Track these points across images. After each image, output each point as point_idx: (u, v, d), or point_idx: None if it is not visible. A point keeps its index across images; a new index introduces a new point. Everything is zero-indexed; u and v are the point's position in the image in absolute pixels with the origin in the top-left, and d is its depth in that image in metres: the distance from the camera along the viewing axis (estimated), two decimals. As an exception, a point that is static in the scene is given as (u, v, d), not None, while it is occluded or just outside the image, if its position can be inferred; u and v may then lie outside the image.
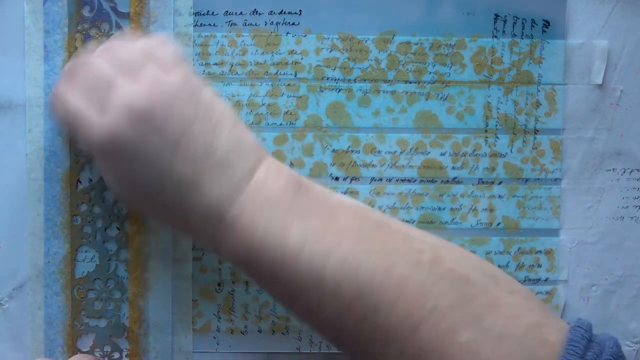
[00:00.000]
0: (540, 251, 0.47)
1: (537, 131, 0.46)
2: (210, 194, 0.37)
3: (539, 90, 0.46)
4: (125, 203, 0.44)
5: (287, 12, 0.45)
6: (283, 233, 0.36)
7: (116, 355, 0.45)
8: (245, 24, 0.45)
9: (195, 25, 0.45)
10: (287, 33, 0.45)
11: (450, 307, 0.35)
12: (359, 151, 0.46)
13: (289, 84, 0.45)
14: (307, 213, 0.37)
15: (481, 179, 0.46)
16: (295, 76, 0.45)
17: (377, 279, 0.35)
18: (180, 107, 0.37)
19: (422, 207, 0.46)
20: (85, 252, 0.44)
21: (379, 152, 0.46)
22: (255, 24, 0.45)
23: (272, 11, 0.45)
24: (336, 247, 0.36)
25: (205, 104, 0.38)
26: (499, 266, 0.46)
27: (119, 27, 0.44)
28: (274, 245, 0.36)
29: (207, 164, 0.37)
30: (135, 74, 0.37)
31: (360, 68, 0.46)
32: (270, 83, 0.45)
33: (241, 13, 0.45)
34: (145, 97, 0.36)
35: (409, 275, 0.35)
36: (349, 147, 0.46)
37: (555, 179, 0.47)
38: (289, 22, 0.45)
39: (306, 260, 0.36)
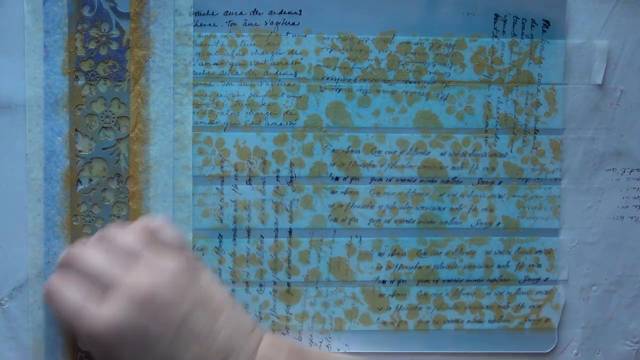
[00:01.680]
0: (540, 251, 0.47)
1: (537, 131, 0.46)
2: None
3: (539, 90, 0.46)
4: None
5: (287, 12, 0.45)
6: None
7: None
8: (245, 24, 0.45)
9: (195, 25, 0.45)
10: (287, 33, 0.45)
11: None
12: (359, 151, 0.46)
13: (289, 84, 0.45)
14: None
15: (481, 178, 0.46)
16: (295, 76, 0.45)
17: None
18: (181, 294, 0.38)
19: (422, 207, 0.46)
20: (85, 252, 0.44)
21: (379, 152, 0.46)
22: (255, 24, 0.45)
23: (272, 11, 0.45)
24: None
25: (205, 288, 0.39)
26: (498, 266, 0.46)
27: (118, 27, 0.44)
28: None
29: (209, 349, 0.38)
30: (134, 261, 0.38)
31: (360, 68, 0.46)
32: (270, 83, 0.45)
33: (241, 13, 0.45)
34: (145, 285, 0.37)
35: None
36: (349, 147, 0.46)
37: (555, 179, 0.47)
38: (289, 22, 0.45)
39: None
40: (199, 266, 0.40)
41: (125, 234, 0.40)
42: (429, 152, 0.46)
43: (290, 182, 0.46)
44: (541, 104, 0.46)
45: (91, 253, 0.39)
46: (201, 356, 0.38)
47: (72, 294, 0.38)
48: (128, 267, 0.38)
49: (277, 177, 0.46)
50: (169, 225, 0.40)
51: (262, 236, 0.46)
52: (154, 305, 0.37)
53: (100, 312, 0.37)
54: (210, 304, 0.39)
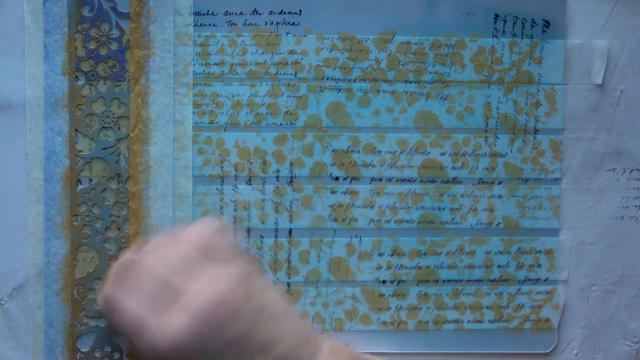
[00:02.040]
0: (540, 251, 0.47)
1: (537, 131, 0.46)
2: None
3: (539, 90, 0.46)
4: None
5: (287, 12, 0.45)
6: None
7: (116, 355, 0.45)
8: (245, 24, 0.45)
9: (195, 25, 0.45)
10: (287, 33, 0.45)
11: None
12: (359, 151, 0.46)
13: (289, 84, 0.45)
14: None
15: (481, 179, 0.46)
16: (295, 76, 0.45)
17: None
18: (241, 305, 0.37)
19: (422, 207, 0.46)
20: (85, 252, 0.44)
21: (379, 152, 0.46)
22: (255, 24, 0.45)
23: (272, 11, 0.45)
24: None
25: (263, 297, 0.39)
26: (498, 266, 0.46)
27: (118, 27, 0.44)
28: None
29: (271, 358, 0.37)
30: (193, 271, 0.38)
31: (360, 68, 0.46)
32: (270, 83, 0.45)
33: (241, 13, 0.45)
34: (207, 299, 0.37)
35: None
36: (349, 147, 0.46)
37: (555, 179, 0.47)
38: (289, 22, 0.45)
39: None
40: (257, 272, 0.40)
41: (184, 242, 0.39)
42: (429, 152, 0.46)
43: (290, 182, 0.46)
44: (541, 104, 0.46)
45: (151, 262, 0.38)
46: None
47: (133, 305, 0.38)
48: (188, 277, 0.38)
49: (277, 177, 0.46)
50: (226, 231, 0.40)
51: (262, 236, 0.46)
52: (216, 320, 0.37)
53: (164, 328, 0.37)
54: (269, 313, 0.38)
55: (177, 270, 0.38)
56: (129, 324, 0.38)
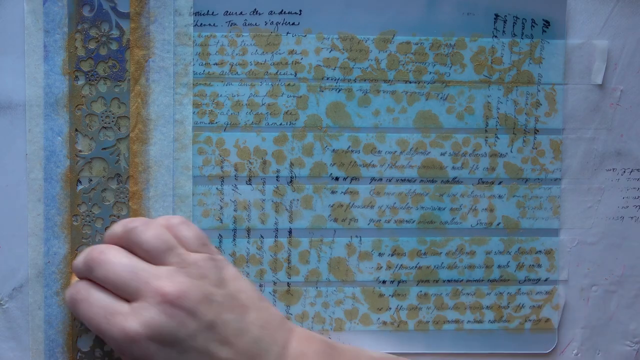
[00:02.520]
0: (540, 251, 0.47)
1: (537, 131, 0.46)
2: None
3: (539, 90, 0.46)
4: None
5: (287, 12, 0.45)
6: None
7: (116, 355, 0.45)
8: (245, 24, 0.45)
9: (195, 25, 0.45)
10: (287, 33, 0.45)
11: None
12: (359, 151, 0.46)
13: (289, 84, 0.45)
14: None
15: (481, 179, 0.46)
16: (295, 76, 0.45)
17: None
18: (208, 294, 0.38)
19: (422, 207, 0.46)
20: (85, 252, 0.44)
21: (379, 152, 0.46)
22: (255, 24, 0.45)
23: (272, 11, 0.45)
24: None
25: (232, 284, 0.39)
26: (498, 266, 0.46)
27: (118, 27, 0.44)
28: None
29: (243, 344, 0.38)
30: (159, 262, 0.38)
31: (360, 68, 0.46)
32: (270, 83, 0.45)
33: (241, 13, 0.45)
34: (176, 283, 0.37)
35: None
36: (349, 147, 0.46)
37: (555, 179, 0.47)
38: (289, 22, 0.45)
39: None
40: (224, 263, 0.40)
41: (148, 232, 0.39)
42: (429, 152, 0.46)
43: (290, 182, 0.46)
44: (541, 104, 0.46)
45: (115, 256, 0.38)
46: (235, 353, 0.37)
47: (101, 300, 0.38)
48: (154, 269, 0.38)
49: (277, 177, 0.46)
50: (190, 223, 0.40)
51: (262, 236, 0.46)
52: (189, 303, 0.37)
53: (135, 311, 0.37)
54: (237, 302, 0.38)
55: (142, 263, 0.38)
56: (96, 319, 0.37)
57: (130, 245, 0.39)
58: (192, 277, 0.38)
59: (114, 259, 0.38)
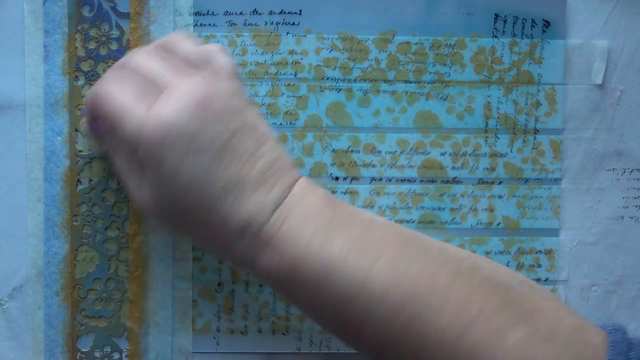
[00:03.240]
0: (540, 251, 0.47)
1: (537, 131, 0.46)
2: (248, 204, 0.37)
3: (539, 90, 0.46)
4: (154, 213, 0.39)
5: (287, 12, 0.45)
6: (327, 242, 0.36)
7: (116, 355, 0.45)
8: (245, 24, 0.45)
9: (195, 25, 0.45)
10: (287, 33, 0.45)
11: (496, 310, 0.34)
12: (359, 151, 0.46)
13: (289, 84, 0.45)
14: (346, 225, 0.37)
15: (481, 179, 0.46)
16: (295, 76, 0.45)
17: (422, 284, 0.35)
18: (233, 111, 0.37)
19: (422, 207, 0.46)
20: (85, 252, 0.44)
21: (379, 152, 0.46)
22: (255, 24, 0.45)
23: (272, 11, 0.45)
24: (380, 255, 0.36)
25: (252, 119, 0.38)
26: (499, 266, 0.46)
27: (118, 27, 0.44)
28: (317, 256, 0.36)
29: (250, 172, 0.37)
30: (191, 71, 0.38)
31: (360, 68, 0.46)
32: (270, 83, 0.45)
33: (241, 13, 0.45)
34: (202, 91, 0.36)
35: (452, 281, 0.35)
36: (349, 147, 0.46)
37: (555, 179, 0.47)
38: (289, 22, 0.45)
39: (351, 267, 0.36)
40: (249, 99, 0.39)
41: (186, 46, 0.39)
42: (429, 152, 0.46)
43: (290, 182, 0.46)
44: (541, 104, 0.46)
45: (148, 56, 0.38)
46: (239, 176, 0.37)
47: (123, 95, 0.37)
48: (185, 74, 0.37)
49: (277, 177, 0.46)
50: (226, 52, 0.39)
51: (262, 236, 0.46)
52: (207, 113, 0.36)
53: (152, 111, 0.36)
54: (257, 131, 0.38)
55: (175, 67, 0.38)
56: (114, 112, 0.37)
57: (165, 55, 0.39)
58: (220, 91, 0.37)
59: (148, 57, 0.38)
